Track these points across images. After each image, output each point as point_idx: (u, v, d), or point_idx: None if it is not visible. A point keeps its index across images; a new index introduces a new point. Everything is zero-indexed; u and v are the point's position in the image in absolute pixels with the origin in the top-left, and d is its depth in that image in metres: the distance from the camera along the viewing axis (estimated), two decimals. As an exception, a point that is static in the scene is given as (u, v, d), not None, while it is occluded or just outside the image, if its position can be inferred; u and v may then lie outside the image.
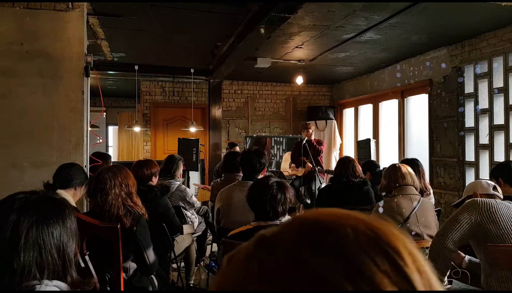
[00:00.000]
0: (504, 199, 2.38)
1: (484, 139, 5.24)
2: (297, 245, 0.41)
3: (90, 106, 3.80)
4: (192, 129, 7.48)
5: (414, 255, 0.41)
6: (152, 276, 2.64)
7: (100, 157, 4.15)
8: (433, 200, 3.91)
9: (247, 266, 0.41)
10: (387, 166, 3.19)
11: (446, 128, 5.85)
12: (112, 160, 4.87)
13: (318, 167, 5.89)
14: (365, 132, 8.13)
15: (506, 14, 4.42)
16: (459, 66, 5.59)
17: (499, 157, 4.97)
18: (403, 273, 0.39)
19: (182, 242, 3.81)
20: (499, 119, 5.01)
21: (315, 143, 6.29)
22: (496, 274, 2.12)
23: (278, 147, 8.28)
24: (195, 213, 4.37)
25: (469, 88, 5.46)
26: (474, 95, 5.36)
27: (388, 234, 0.42)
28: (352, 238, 0.40)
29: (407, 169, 2.97)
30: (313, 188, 6.00)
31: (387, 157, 7.43)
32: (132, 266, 2.57)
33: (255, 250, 0.43)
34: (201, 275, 4.31)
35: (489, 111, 5.13)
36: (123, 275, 2.39)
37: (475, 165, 5.35)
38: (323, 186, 5.36)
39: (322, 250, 0.39)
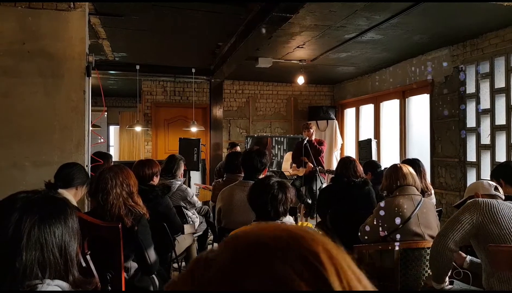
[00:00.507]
0: (505, 200, 2.38)
1: (485, 139, 5.24)
2: (229, 266, 0.45)
3: (91, 106, 3.81)
4: (193, 129, 7.48)
5: (334, 258, 0.45)
6: (153, 275, 2.64)
7: (101, 156, 4.15)
8: (434, 200, 3.91)
9: (182, 284, 0.45)
10: (388, 166, 3.19)
11: (447, 129, 5.84)
12: (113, 160, 4.88)
13: (319, 167, 5.89)
14: (366, 133, 8.13)
15: (507, 14, 4.41)
16: (461, 66, 5.58)
17: (501, 157, 4.96)
18: (322, 277, 0.42)
19: (183, 241, 3.81)
20: (500, 119, 5.01)
21: (315, 143, 6.29)
22: (497, 274, 2.12)
23: (279, 146, 8.28)
24: (196, 212, 4.37)
25: (470, 88, 5.45)
26: (476, 96, 5.35)
27: (309, 240, 0.46)
28: (275, 251, 0.44)
29: (408, 169, 2.97)
30: (314, 188, 6.00)
31: (388, 157, 7.42)
32: (133, 265, 2.57)
33: (192, 268, 0.46)
34: (202, 275, 4.30)
35: (491, 112, 5.12)
36: (124, 274, 2.39)
37: (477, 165, 5.34)
38: (324, 186, 5.36)
39: (251, 269, 0.43)
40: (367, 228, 2.96)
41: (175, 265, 4.04)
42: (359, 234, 3.05)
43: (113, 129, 11.99)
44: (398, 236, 2.77)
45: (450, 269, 2.30)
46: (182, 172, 4.31)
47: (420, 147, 6.52)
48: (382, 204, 2.95)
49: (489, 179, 3.22)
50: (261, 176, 3.12)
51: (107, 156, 4.48)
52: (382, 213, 2.89)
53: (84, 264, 2.07)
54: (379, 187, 3.84)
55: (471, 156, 5.44)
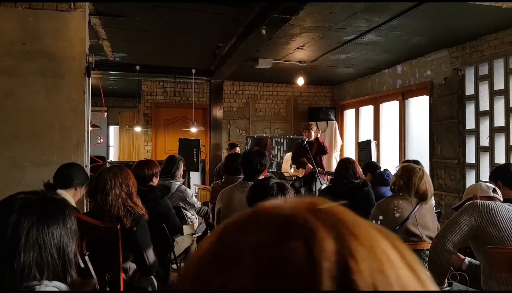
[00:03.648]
0: (503, 202, 2.38)
1: (484, 141, 5.24)
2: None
3: (91, 106, 3.81)
4: (193, 129, 7.48)
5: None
6: (152, 276, 2.64)
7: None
8: (433, 202, 3.91)
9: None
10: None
11: (446, 130, 5.85)
12: (112, 160, 4.88)
13: (319, 168, 5.89)
14: (366, 134, 8.13)
15: (506, 17, 4.42)
16: (460, 68, 5.59)
17: (500, 159, 4.97)
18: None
19: (182, 242, 3.81)
20: (499, 121, 5.01)
21: (317, 144, 6.26)
22: (496, 276, 2.12)
23: (279, 147, 8.28)
24: (195, 213, 4.38)
25: (469, 90, 5.46)
26: (475, 97, 5.35)
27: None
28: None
29: (426, 176, 2.88)
30: (314, 189, 5.99)
31: (388, 158, 7.42)
32: (132, 266, 2.57)
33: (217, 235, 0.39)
34: (201, 276, 4.30)
35: (490, 113, 5.13)
36: (122, 275, 2.40)
37: (476, 166, 5.35)
38: (323, 187, 5.36)
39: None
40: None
41: (174, 266, 4.05)
42: None
43: (113, 130, 11.98)
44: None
45: (449, 271, 2.30)
46: (182, 172, 4.31)
47: (420, 148, 6.52)
48: (379, 203, 2.95)
49: (487, 181, 3.23)
50: (261, 177, 3.13)
51: (101, 158, 4.46)
52: (379, 213, 2.88)
53: (82, 265, 2.08)
54: (379, 188, 3.84)
55: (470, 158, 5.44)
